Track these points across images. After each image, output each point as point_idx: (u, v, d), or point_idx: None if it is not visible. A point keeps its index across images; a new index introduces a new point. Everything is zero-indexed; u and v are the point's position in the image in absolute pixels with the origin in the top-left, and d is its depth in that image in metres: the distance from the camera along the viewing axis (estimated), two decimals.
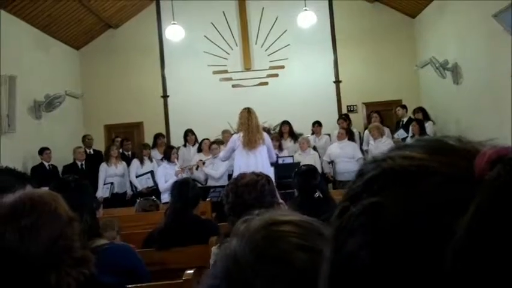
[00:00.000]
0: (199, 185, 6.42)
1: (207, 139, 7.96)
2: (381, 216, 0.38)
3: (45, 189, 1.72)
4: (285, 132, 8.48)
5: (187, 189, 3.43)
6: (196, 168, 7.33)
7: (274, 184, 2.43)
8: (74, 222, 1.34)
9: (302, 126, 8.82)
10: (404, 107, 8.69)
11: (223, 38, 10.02)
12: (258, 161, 5.40)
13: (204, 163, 7.31)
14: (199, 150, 7.88)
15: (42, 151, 7.50)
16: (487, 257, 0.32)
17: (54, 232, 1.27)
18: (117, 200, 7.30)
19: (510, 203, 0.33)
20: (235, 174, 4.62)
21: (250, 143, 5.44)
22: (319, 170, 6.06)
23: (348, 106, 9.97)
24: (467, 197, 0.34)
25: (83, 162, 7.81)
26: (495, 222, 0.32)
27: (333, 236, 0.42)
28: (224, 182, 6.70)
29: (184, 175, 6.64)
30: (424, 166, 0.38)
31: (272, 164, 5.90)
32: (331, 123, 8.96)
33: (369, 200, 0.39)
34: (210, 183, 7.19)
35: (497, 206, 0.33)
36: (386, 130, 8.23)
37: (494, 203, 0.33)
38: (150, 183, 7.56)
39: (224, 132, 8.24)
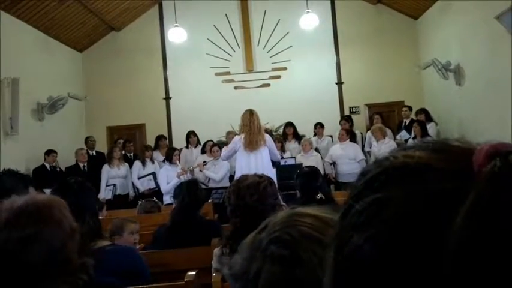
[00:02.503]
0: (203, 186, 6.43)
1: (211, 140, 7.97)
2: (383, 210, 0.39)
3: (48, 191, 1.73)
4: (289, 133, 8.45)
5: (197, 189, 3.48)
6: (200, 170, 7.32)
7: (277, 186, 2.43)
8: (76, 234, 1.33)
9: (304, 128, 8.81)
10: (410, 108, 8.67)
11: (226, 40, 10.04)
12: (259, 163, 5.40)
13: (204, 164, 7.30)
14: (203, 151, 7.89)
15: (49, 153, 7.48)
16: (484, 241, 0.34)
17: (56, 245, 1.26)
18: (119, 201, 7.32)
19: (504, 192, 0.35)
20: (237, 176, 4.63)
21: (251, 144, 5.45)
22: (321, 171, 6.05)
23: (350, 107, 9.97)
24: (465, 189, 0.36)
25: (85, 164, 7.83)
26: (491, 210, 0.34)
27: (336, 234, 0.43)
28: (226, 183, 6.70)
29: (186, 177, 6.65)
30: (424, 163, 0.40)
31: (275, 164, 5.90)
32: (333, 125, 8.95)
33: (371, 196, 0.41)
34: (212, 184, 7.19)
35: (492, 195, 0.35)
36: (389, 131, 8.22)
37: (490, 193, 0.35)
38: (152, 185, 7.57)
39: (228, 133, 8.22)
